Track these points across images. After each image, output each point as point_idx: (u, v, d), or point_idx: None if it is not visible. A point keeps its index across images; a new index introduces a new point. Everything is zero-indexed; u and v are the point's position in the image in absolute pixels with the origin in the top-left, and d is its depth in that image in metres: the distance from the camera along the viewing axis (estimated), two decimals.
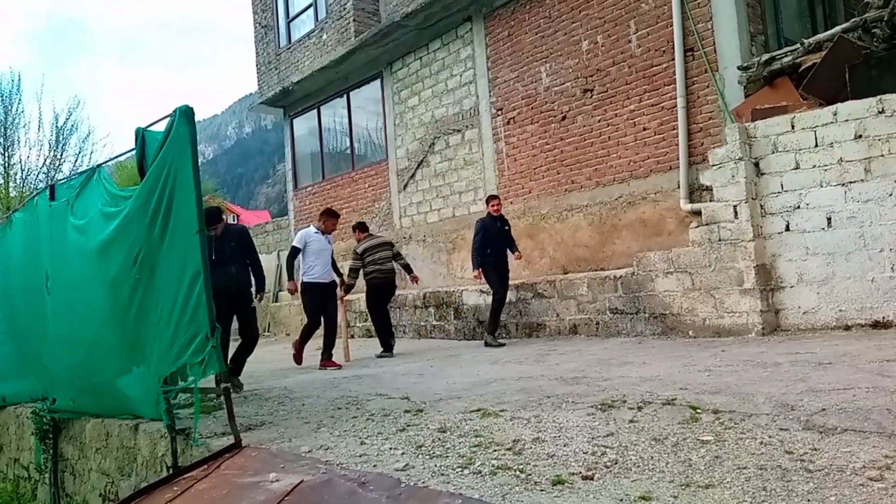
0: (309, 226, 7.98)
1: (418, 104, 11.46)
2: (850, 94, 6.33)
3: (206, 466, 3.73)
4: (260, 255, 6.58)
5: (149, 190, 4.36)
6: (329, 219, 7.76)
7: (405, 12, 10.60)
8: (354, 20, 12.02)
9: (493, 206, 8.15)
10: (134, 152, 4.78)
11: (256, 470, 3.47)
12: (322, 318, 7.53)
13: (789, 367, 4.58)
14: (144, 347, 4.52)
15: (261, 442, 3.93)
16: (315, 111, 13.95)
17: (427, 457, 3.22)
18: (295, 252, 7.54)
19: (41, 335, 6.07)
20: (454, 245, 10.82)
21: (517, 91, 9.78)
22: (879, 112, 5.97)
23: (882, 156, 5.96)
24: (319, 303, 7.47)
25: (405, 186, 11.70)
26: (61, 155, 24.38)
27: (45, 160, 24.01)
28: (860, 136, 6.07)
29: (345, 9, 12.21)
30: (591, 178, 8.84)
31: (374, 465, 3.18)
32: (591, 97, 8.82)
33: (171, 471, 4.09)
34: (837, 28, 7.03)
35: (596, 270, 8.44)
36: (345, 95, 13.16)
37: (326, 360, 7.38)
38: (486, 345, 7.93)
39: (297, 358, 7.65)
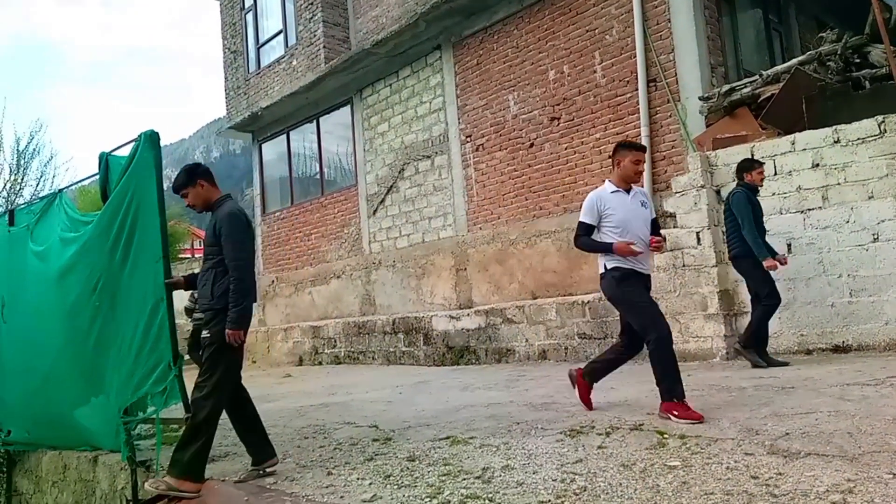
0: (602, 184, 4.66)
1: (388, 130, 11.51)
2: (806, 124, 6.53)
3: (167, 500, 3.63)
4: None
5: (111, 215, 4.29)
6: (621, 154, 4.41)
7: (375, 40, 10.68)
8: (325, 47, 12.07)
9: (758, 172, 5.88)
10: (97, 177, 4.70)
11: (219, 503, 3.38)
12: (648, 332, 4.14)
13: (753, 391, 4.64)
14: (104, 377, 4.39)
15: (224, 474, 3.84)
16: (284, 136, 13.90)
17: (395, 486, 3.18)
18: (588, 230, 4.50)
19: None
20: (424, 270, 10.80)
21: (486, 118, 9.89)
22: (835, 142, 6.17)
23: (838, 184, 6.14)
24: (645, 304, 4.24)
25: (375, 212, 11.69)
26: (22, 179, 23.81)
27: (5, 184, 23.44)
28: (817, 165, 6.25)
29: (315, 36, 12.26)
30: (559, 205, 8.94)
31: (342, 497, 3.12)
32: (558, 125, 8.96)
33: None
34: (794, 61, 7.28)
35: (564, 296, 8.49)
36: (314, 121, 13.15)
37: (669, 402, 3.97)
38: (757, 366, 5.63)
39: (585, 397, 4.65)
